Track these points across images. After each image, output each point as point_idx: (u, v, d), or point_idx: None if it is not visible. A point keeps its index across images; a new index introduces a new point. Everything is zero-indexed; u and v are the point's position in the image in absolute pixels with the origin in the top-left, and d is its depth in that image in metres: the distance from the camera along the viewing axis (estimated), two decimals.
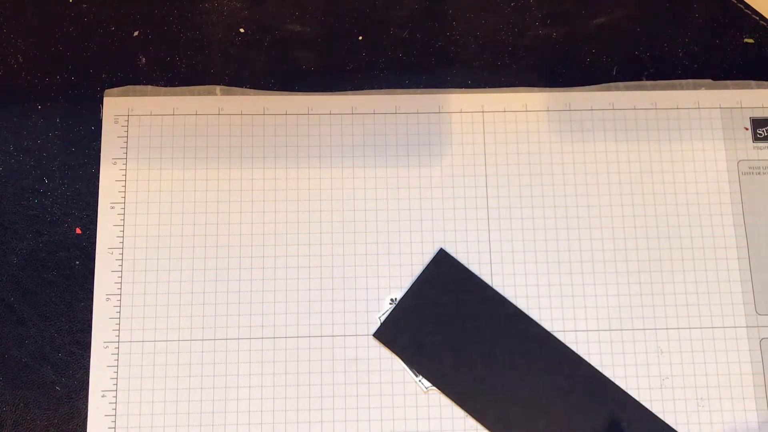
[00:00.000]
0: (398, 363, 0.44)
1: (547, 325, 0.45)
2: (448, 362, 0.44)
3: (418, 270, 0.45)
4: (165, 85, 0.48)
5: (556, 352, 0.44)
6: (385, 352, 0.44)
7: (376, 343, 0.44)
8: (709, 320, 0.45)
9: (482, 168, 0.47)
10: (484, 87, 0.49)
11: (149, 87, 0.48)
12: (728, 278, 0.46)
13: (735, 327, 0.45)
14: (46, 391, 0.44)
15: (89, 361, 0.44)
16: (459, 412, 0.43)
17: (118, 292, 0.45)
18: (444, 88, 0.48)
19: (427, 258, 0.46)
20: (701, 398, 0.44)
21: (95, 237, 0.45)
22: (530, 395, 0.43)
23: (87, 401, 0.43)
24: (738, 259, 0.46)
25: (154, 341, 0.44)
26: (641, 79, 0.49)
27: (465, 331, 0.44)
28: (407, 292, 0.45)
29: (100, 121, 0.47)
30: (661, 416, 0.44)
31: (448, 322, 0.44)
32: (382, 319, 0.44)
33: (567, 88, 0.49)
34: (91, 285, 0.45)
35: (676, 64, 0.49)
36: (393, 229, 0.46)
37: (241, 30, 0.49)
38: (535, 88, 0.49)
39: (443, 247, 0.46)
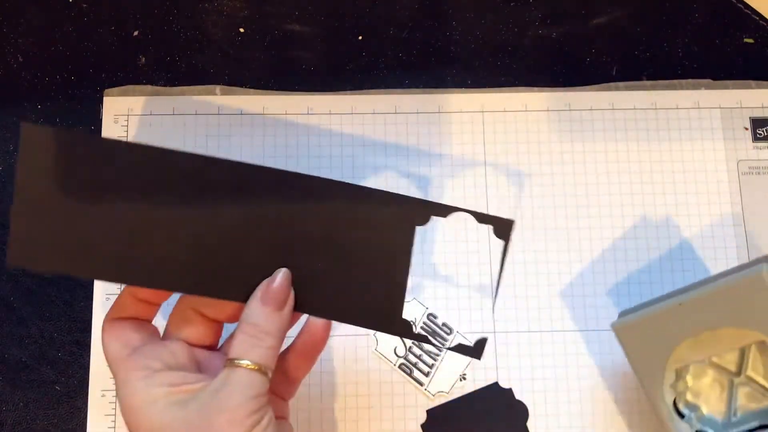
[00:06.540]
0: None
1: (547, 326, 0.45)
2: None
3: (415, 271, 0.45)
4: (165, 85, 0.48)
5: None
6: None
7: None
8: None
9: (482, 168, 0.47)
10: (484, 87, 0.49)
11: (149, 87, 0.48)
12: None
13: None
14: (46, 391, 0.44)
15: (89, 361, 0.44)
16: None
17: (118, 291, 0.45)
18: (444, 88, 0.48)
19: None
20: None
21: None
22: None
23: (87, 401, 0.43)
24: (738, 259, 0.46)
25: None
26: (641, 79, 0.49)
27: None
28: None
29: (100, 120, 0.47)
30: None
31: None
32: None
33: (567, 88, 0.49)
34: (91, 284, 0.45)
35: (675, 64, 0.49)
36: None
37: (241, 30, 0.49)
38: (535, 88, 0.49)
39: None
